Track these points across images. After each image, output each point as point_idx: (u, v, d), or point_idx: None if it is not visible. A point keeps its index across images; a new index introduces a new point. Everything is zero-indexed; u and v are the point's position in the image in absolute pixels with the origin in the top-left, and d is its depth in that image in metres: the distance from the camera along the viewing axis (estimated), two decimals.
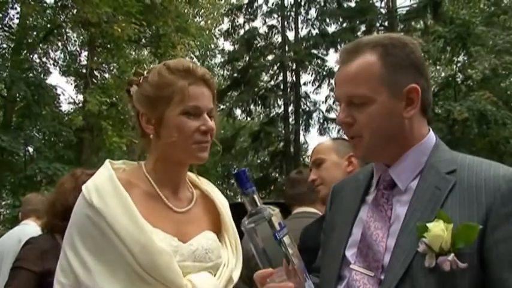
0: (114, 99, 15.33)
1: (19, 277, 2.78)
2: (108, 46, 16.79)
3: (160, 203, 1.66)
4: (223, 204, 1.83)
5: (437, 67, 19.25)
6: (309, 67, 20.84)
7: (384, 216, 1.43)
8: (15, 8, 16.45)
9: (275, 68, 21.27)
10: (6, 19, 16.93)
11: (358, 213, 1.53)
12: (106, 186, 1.58)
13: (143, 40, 17.77)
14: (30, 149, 17.05)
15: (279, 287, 1.36)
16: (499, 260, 1.26)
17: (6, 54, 16.74)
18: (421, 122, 1.49)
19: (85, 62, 18.38)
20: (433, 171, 1.42)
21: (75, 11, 15.53)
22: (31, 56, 17.19)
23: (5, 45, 17.32)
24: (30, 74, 15.29)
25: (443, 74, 19.07)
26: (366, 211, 1.50)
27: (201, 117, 1.65)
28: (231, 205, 1.88)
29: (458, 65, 16.12)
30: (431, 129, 1.52)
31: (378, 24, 19.34)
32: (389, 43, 1.46)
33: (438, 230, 1.26)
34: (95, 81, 17.11)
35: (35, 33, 17.25)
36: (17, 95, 14.14)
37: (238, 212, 1.59)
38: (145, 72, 1.74)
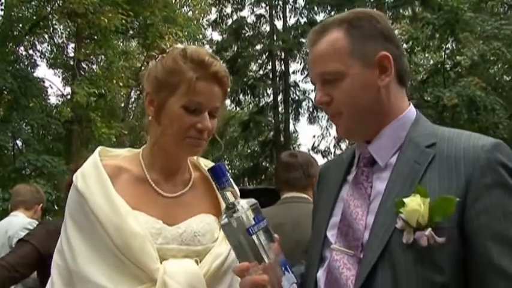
0: (102, 90, 15.21)
1: (24, 248, 2.95)
2: (96, 37, 16.67)
3: (149, 187, 1.65)
4: None
5: (426, 54, 19.28)
6: (298, 56, 20.87)
7: (363, 194, 1.41)
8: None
9: (264, 57, 21.32)
10: None
11: (339, 192, 1.51)
12: (90, 172, 1.60)
13: (131, 31, 17.65)
14: (19, 142, 16.99)
15: (253, 280, 1.33)
16: (481, 231, 1.23)
17: None
18: (398, 92, 1.47)
19: (72, 54, 18.28)
20: (412, 146, 1.39)
21: (61, 1, 15.38)
22: (17, 48, 17.01)
23: None
24: (17, 67, 15.12)
25: (432, 61, 19.10)
26: (346, 190, 1.48)
27: (201, 115, 1.60)
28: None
29: (447, 51, 16.12)
30: (411, 104, 1.50)
31: None
32: (354, 17, 1.47)
33: (414, 204, 1.24)
34: (83, 72, 17.02)
35: (20, 25, 17.06)
36: (3, 87, 13.97)
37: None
38: (167, 49, 1.68)
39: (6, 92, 14.55)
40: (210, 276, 1.56)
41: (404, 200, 1.25)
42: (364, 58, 1.41)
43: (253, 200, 1.40)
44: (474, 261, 1.24)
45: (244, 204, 1.37)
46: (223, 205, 1.52)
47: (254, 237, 1.32)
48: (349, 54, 1.41)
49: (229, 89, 1.71)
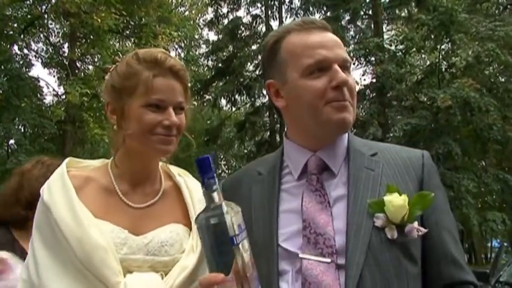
0: (95, 90, 15.15)
1: None
2: (91, 37, 16.62)
3: (117, 198, 1.62)
4: (192, 197, 1.72)
5: (422, 55, 19.29)
6: None
7: (323, 201, 1.43)
8: None
9: (259, 57, 21.23)
10: None
11: (277, 202, 1.49)
12: (56, 183, 1.59)
13: (126, 31, 17.61)
14: (12, 142, 16.96)
15: None
16: (437, 224, 1.43)
17: None
18: None
19: (66, 53, 18.26)
20: (358, 154, 1.50)
21: (53, 1, 15.33)
22: (10, 48, 16.94)
23: None
24: (9, 66, 15.06)
25: (428, 62, 19.09)
26: (292, 199, 1.47)
27: (166, 111, 1.58)
28: None
29: (442, 52, 16.10)
30: None
31: (361, 13, 19.36)
32: None
33: (399, 201, 1.34)
34: (76, 72, 16.96)
35: (15, 24, 16.98)
36: None
37: None
38: (119, 61, 1.69)
39: None
40: None
41: (385, 199, 1.36)
42: None
43: (237, 206, 1.26)
44: (433, 251, 1.42)
45: (230, 209, 1.22)
46: (201, 205, 1.34)
47: (237, 247, 1.17)
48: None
49: (189, 84, 1.69)
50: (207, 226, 1.19)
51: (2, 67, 14.29)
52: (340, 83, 1.43)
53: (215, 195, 1.23)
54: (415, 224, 1.35)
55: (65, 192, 1.55)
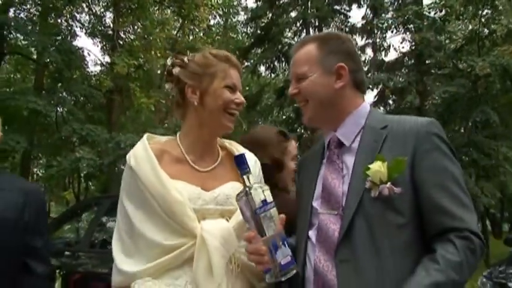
0: (141, 61, 15.64)
1: None
2: (134, 8, 17.09)
3: (187, 165, 2.09)
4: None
5: (461, 22, 18.88)
6: (332, 23, 20.74)
7: (337, 169, 1.87)
8: None
9: (298, 24, 21.23)
10: None
11: (319, 173, 1.96)
12: (140, 154, 2.05)
13: (168, 2, 17.95)
14: (61, 111, 17.57)
15: (255, 248, 1.73)
16: (426, 183, 1.71)
17: (34, 18, 17.15)
18: (353, 93, 1.94)
19: (110, 23, 18.71)
20: (370, 129, 1.87)
21: None
22: (58, 21, 17.49)
23: (32, 10, 17.71)
24: (60, 39, 15.63)
25: (470, 27, 18.63)
26: (323, 169, 1.94)
27: (236, 93, 2.11)
28: None
29: (483, 19, 15.86)
30: (365, 100, 1.98)
31: None
32: (326, 36, 2.01)
33: (376, 166, 1.70)
34: (120, 42, 17.49)
35: None
36: (49, 60, 14.50)
37: None
38: (185, 58, 2.17)
39: (51, 66, 15.14)
40: (237, 228, 1.98)
41: (369, 165, 1.72)
42: (326, 66, 1.90)
43: (265, 186, 1.78)
44: (423, 205, 1.71)
45: (257, 189, 1.73)
46: (251, 162, 1.94)
47: (258, 217, 1.70)
48: (316, 62, 1.91)
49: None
50: (242, 201, 1.74)
51: (55, 42, 14.77)
52: (290, 93, 2.01)
53: (247, 179, 1.78)
54: (389, 184, 1.67)
55: (149, 160, 2.01)
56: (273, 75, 23.13)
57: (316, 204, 1.88)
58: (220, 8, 22.58)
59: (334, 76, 1.89)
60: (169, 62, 2.25)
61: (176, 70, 2.16)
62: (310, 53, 1.93)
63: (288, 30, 21.67)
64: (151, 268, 1.93)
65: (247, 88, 24.63)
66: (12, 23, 14.59)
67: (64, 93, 17.20)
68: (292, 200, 2.43)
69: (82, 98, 18.30)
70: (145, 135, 2.19)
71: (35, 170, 30.06)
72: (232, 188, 2.08)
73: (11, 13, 16.33)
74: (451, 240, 1.64)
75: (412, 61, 17.98)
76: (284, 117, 23.45)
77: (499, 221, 31.72)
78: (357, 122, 1.90)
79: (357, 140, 1.87)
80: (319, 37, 2.00)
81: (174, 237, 1.94)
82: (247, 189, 1.73)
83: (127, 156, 2.10)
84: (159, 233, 1.95)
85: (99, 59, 19.68)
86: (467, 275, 1.65)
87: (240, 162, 1.81)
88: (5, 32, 15.06)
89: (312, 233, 1.85)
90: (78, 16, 19.86)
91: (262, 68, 22.03)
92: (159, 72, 21.24)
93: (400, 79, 17.23)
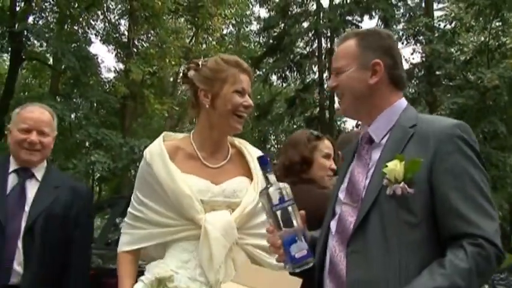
0: (155, 68, 15.92)
1: None
2: (147, 14, 17.33)
3: (199, 162, 2.28)
4: (252, 157, 2.36)
5: (471, 34, 18.99)
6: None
7: (364, 164, 1.90)
8: None
9: (310, 35, 21.40)
10: None
11: (350, 165, 1.99)
12: (155, 150, 2.25)
13: (183, 12, 18.23)
14: (75, 116, 17.81)
15: (273, 240, 1.82)
16: (443, 185, 1.68)
17: (51, 26, 17.47)
18: (388, 90, 1.93)
19: (125, 31, 19.02)
20: (400, 127, 1.85)
21: None
22: (75, 28, 17.84)
23: (50, 18, 18.06)
24: (74, 45, 15.94)
25: (482, 39, 18.71)
26: (354, 162, 1.98)
27: (245, 96, 2.25)
28: None
29: (492, 32, 16.02)
30: (403, 97, 1.97)
31: None
32: (366, 32, 2.02)
33: (392, 165, 1.70)
34: (135, 50, 17.80)
35: (76, 4, 17.83)
36: (67, 66, 14.78)
37: None
38: (199, 61, 2.32)
39: (68, 71, 15.45)
40: (239, 221, 2.18)
41: (387, 163, 1.72)
42: (362, 62, 1.91)
43: (284, 185, 1.84)
44: (438, 208, 1.68)
45: (276, 187, 1.82)
46: (262, 181, 2.03)
47: (275, 212, 1.79)
48: (353, 57, 1.93)
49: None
50: (263, 198, 1.83)
51: (72, 48, 15.06)
52: (329, 86, 2.11)
53: (269, 177, 1.85)
54: (402, 184, 1.66)
55: (162, 156, 2.21)
56: (284, 84, 23.25)
57: (341, 195, 1.93)
58: (234, 18, 22.84)
59: (369, 72, 1.90)
60: (182, 69, 2.47)
61: (191, 73, 2.32)
62: (349, 48, 1.96)
63: (300, 40, 21.91)
64: (151, 233, 2.21)
65: (258, 97, 24.75)
66: (33, 30, 14.88)
67: (80, 99, 17.53)
68: (320, 193, 2.72)
69: (95, 104, 18.65)
70: (163, 133, 2.40)
71: None
72: (239, 182, 2.28)
73: (30, 20, 16.67)
74: (462, 246, 1.61)
75: (422, 72, 18.07)
76: (295, 126, 23.56)
77: (509, 234, 31.47)
78: (390, 118, 1.90)
79: (387, 136, 1.87)
80: (360, 33, 2.02)
81: (180, 225, 2.18)
82: (268, 186, 1.83)
83: (144, 152, 2.30)
84: (167, 219, 2.19)
85: (113, 66, 19.97)
86: (476, 282, 1.61)
87: (262, 162, 1.91)
88: (24, 39, 15.40)
89: (333, 224, 1.90)
90: (93, 23, 20.24)
91: (274, 78, 22.21)
92: (171, 79, 21.59)
93: (410, 90, 17.34)
